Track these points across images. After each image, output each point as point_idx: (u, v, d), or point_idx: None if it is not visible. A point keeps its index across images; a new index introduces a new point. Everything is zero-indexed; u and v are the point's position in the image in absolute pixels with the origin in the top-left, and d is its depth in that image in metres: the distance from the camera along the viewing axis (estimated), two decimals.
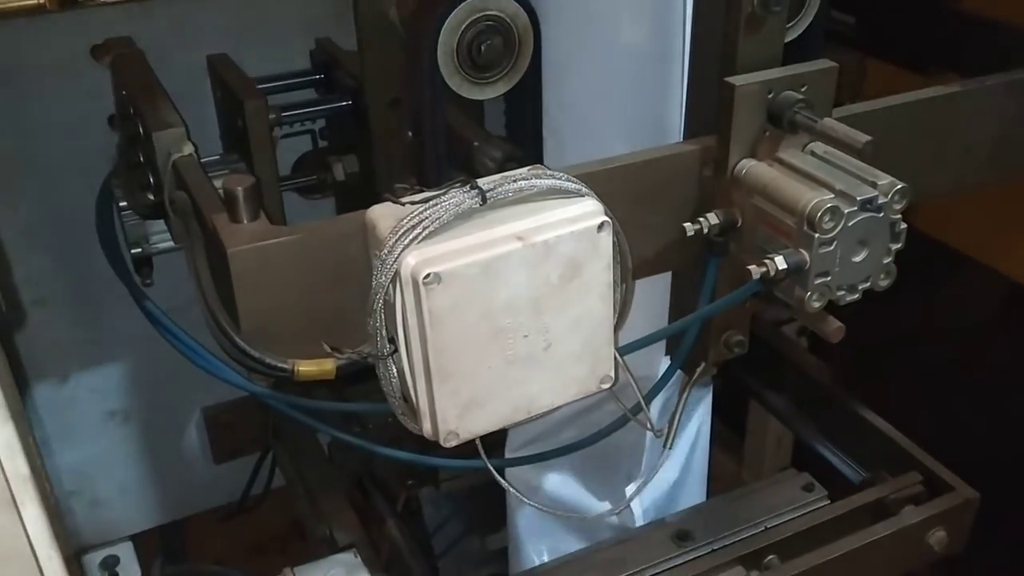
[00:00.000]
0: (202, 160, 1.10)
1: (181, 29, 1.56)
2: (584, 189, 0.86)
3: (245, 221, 0.88)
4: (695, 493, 1.47)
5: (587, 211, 0.84)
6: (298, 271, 0.87)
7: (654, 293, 1.14)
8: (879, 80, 1.49)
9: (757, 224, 0.97)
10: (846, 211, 0.90)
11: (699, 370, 1.13)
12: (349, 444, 1.13)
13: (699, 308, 1.02)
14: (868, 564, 1.16)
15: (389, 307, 0.82)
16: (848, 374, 1.46)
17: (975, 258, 1.84)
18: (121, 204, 1.30)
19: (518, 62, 1.19)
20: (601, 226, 0.84)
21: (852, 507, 1.20)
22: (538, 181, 0.84)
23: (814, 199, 0.91)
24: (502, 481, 0.99)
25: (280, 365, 0.88)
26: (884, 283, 0.97)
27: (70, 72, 1.49)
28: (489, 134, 1.23)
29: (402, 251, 0.79)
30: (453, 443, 0.86)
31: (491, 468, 0.96)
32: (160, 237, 1.33)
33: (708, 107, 1.00)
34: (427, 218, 0.80)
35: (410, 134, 1.24)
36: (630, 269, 0.92)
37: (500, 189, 0.83)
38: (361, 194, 1.47)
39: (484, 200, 0.82)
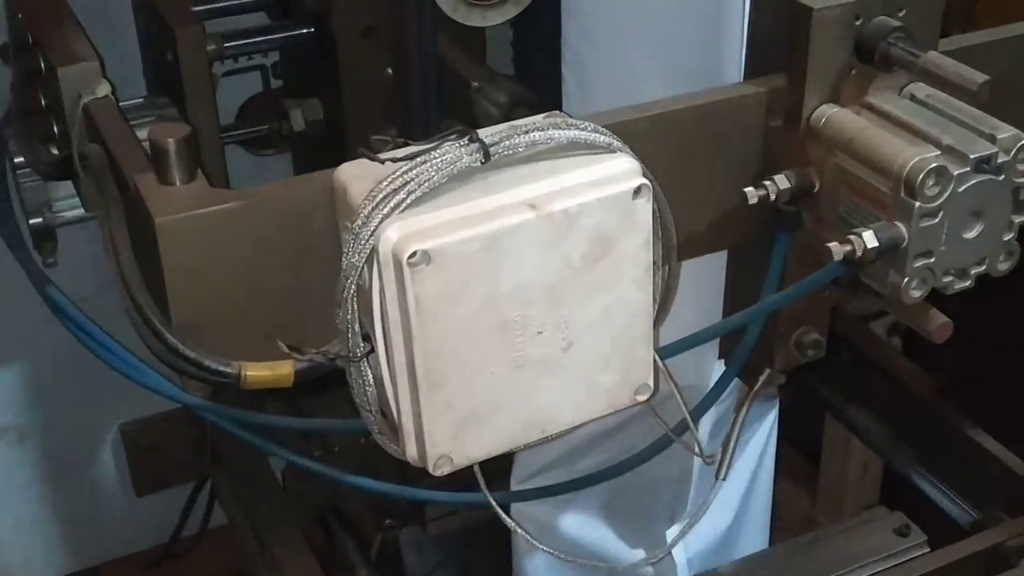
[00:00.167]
0: (122, 104, 1.10)
1: None
2: (616, 143, 0.86)
3: (177, 183, 0.88)
4: (755, 538, 1.48)
5: (619, 171, 0.84)
6: (245, 248, 0.87)
7: (706, 278, 1.15)
8: (996, 4, 1.48)
9: (840, 189, 0.97)
10: (956, 173, 0.90)
11: (762, 378, 1.13)
12: (309, 471, 1.14)
13: (763, 298, 1.02)
14: None
15: (364, 295, 0.82)
16: (955, 385, 1.46)
17: None
18: (16, 161, 1.30)
19: None
20: (638, 191, 0.83)
21: (960, 556, 1.21)
22: (556, 132, 0.84)
23: (915, 157, 0.90)
24: (507, 520, 0.99)
25: (222, 369, 0.88)
26: (1004, 266, 0.97)
27: None
28: (493, 72, 1.24)
29: (381, 222, 0.79)
30: (445, 471, 0.86)
31: (493, 503, 0.96)
32: (67, 203, 1.33)
33: (777, 37, 1.00)
34: (413, 180, 0.80)
35: (390, 71, 1.24)
36: (675, 247, 0.93)
37: (507, 143, 0.83)
38: (326, 149, 1.47)
39: (487, 157, 0.82)
